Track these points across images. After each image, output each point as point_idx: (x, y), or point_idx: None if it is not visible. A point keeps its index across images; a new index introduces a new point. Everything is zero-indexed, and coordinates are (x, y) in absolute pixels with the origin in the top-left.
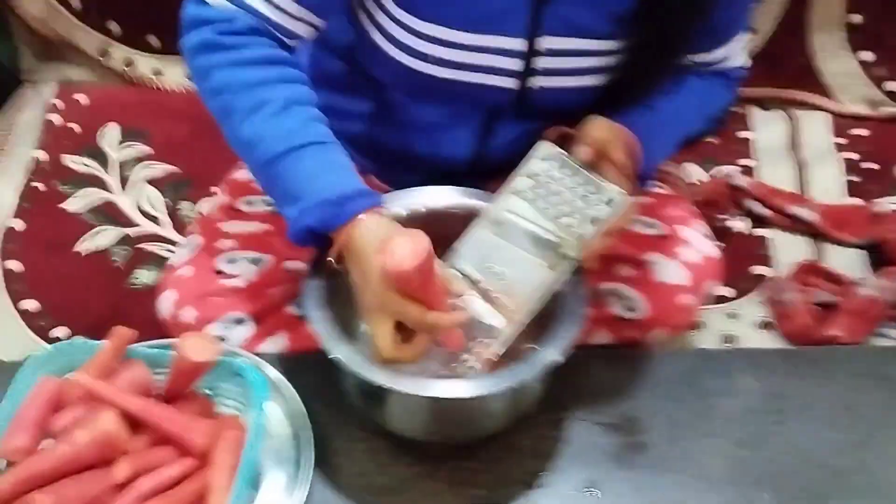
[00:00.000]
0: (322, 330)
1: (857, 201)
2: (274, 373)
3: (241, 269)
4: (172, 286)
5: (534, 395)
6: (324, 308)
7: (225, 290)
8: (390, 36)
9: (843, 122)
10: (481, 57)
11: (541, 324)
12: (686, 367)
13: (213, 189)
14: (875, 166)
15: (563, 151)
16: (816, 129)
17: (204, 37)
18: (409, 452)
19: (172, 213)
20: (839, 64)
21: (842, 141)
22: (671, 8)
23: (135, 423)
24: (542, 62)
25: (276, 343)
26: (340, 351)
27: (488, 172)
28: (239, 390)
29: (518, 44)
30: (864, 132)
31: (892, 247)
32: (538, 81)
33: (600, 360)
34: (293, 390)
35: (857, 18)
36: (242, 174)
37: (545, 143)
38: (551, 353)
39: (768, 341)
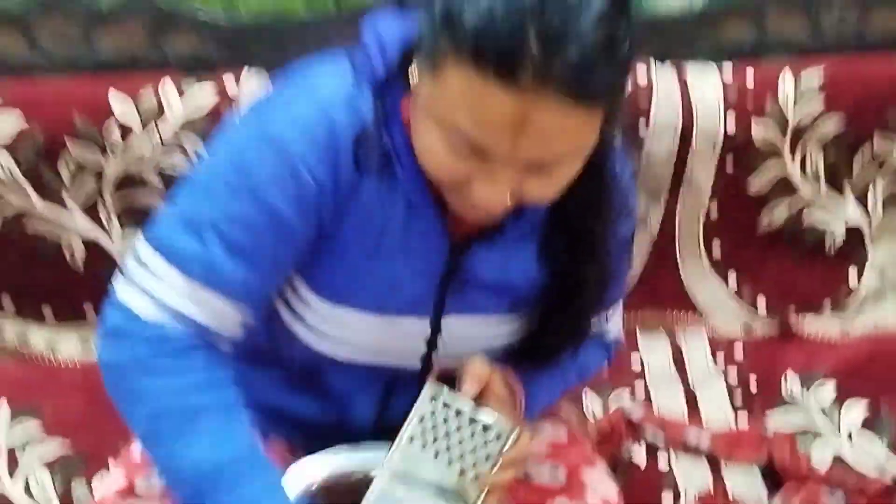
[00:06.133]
0: None
1: (746, 424)
2: None
3: None
4: None
5: None
6: None
7: None
8: (302, 319)
9: (720, 343)
10: (387, 339)
11: None
12: None
13: (111, 463)
14: (755, 384)
15: (449, 390)
16: (697, 351)
17: (136, 355)
18: None
19: (64, 497)
20: (708, 288)
21: (721, 361)
22: (570, 293)
23: None
24: (444, 340)
25: None
26: None
27: (392, 429)
28: None
29: (423, 325)
30: (740, 351)
31: (781, 465)
32: (440, 357)
33: None
34: None
35: (716, 247)
36: (138, 448)
37: (431, 383)
38: None
39: None
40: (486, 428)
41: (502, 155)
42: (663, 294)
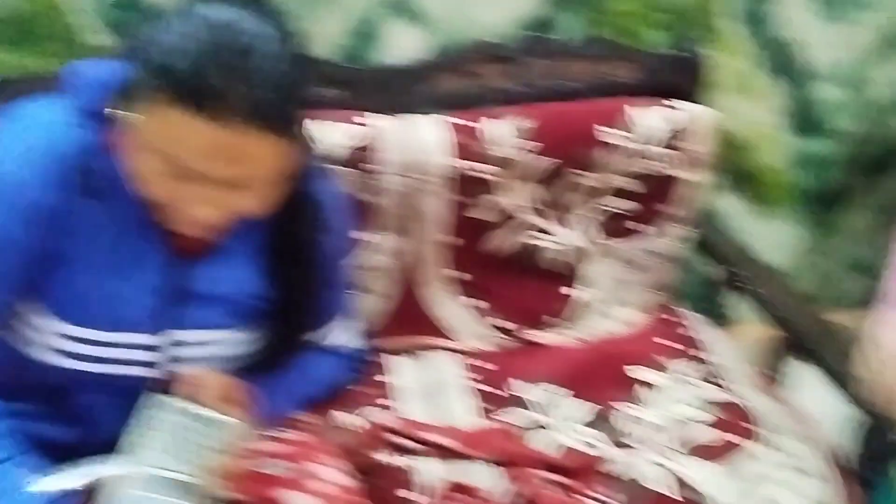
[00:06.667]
0: None
1: (492, 424)
2: None
3: None
4: None
5: None
6: None
7: None
8: (39, 342)
9: (467, 359)
10: (120, 354)
11: None
12: None
13: None
14: (503, 393)
15: (173, 396)
16: (442, 367)
17: None
18: None
19: None
20: (449, 309)
21: (465, 374)
22: (290, 306)
23: None
24: (174, 352)
25: None
26: None
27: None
28: None
29: (153, 339)
30: (487, 365)
31: (515, 460)
32: (173, 368)
33: None
34: None
35: (453, 272)
36: None
37: (156, 392)
38: None
39: None
40: (211, 425)
41: (207, 176)
42: (408, 318)
